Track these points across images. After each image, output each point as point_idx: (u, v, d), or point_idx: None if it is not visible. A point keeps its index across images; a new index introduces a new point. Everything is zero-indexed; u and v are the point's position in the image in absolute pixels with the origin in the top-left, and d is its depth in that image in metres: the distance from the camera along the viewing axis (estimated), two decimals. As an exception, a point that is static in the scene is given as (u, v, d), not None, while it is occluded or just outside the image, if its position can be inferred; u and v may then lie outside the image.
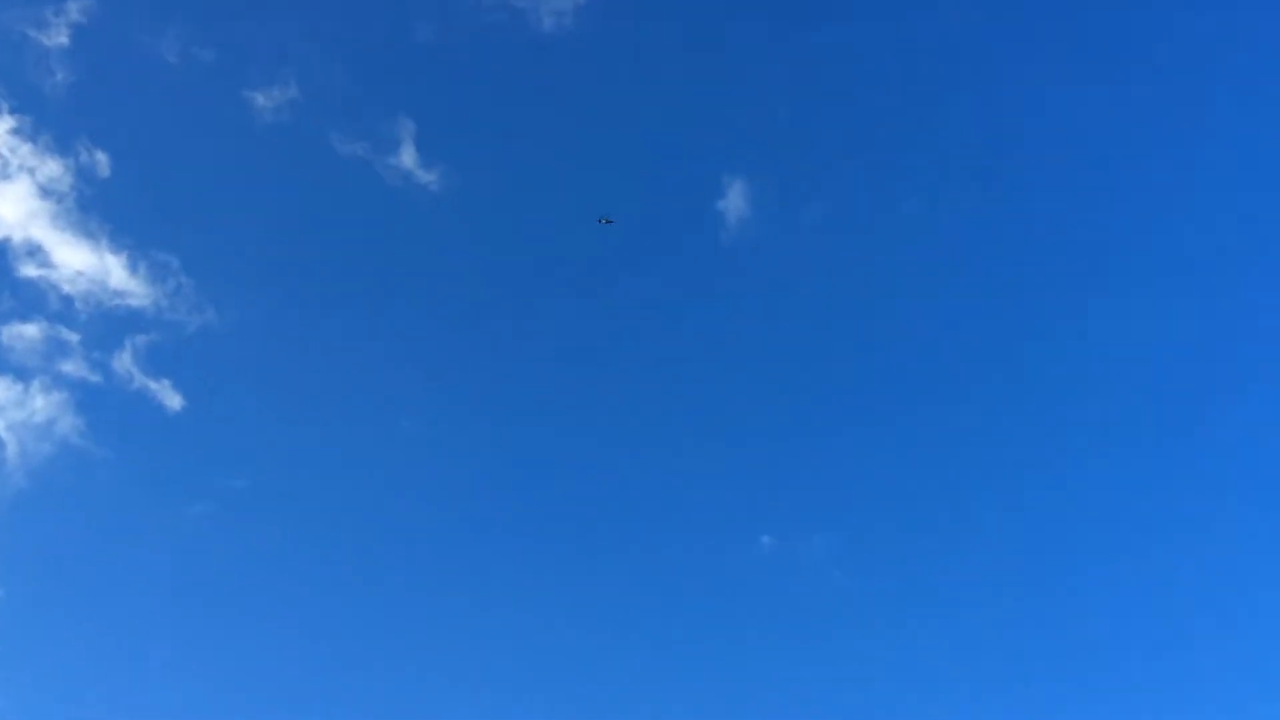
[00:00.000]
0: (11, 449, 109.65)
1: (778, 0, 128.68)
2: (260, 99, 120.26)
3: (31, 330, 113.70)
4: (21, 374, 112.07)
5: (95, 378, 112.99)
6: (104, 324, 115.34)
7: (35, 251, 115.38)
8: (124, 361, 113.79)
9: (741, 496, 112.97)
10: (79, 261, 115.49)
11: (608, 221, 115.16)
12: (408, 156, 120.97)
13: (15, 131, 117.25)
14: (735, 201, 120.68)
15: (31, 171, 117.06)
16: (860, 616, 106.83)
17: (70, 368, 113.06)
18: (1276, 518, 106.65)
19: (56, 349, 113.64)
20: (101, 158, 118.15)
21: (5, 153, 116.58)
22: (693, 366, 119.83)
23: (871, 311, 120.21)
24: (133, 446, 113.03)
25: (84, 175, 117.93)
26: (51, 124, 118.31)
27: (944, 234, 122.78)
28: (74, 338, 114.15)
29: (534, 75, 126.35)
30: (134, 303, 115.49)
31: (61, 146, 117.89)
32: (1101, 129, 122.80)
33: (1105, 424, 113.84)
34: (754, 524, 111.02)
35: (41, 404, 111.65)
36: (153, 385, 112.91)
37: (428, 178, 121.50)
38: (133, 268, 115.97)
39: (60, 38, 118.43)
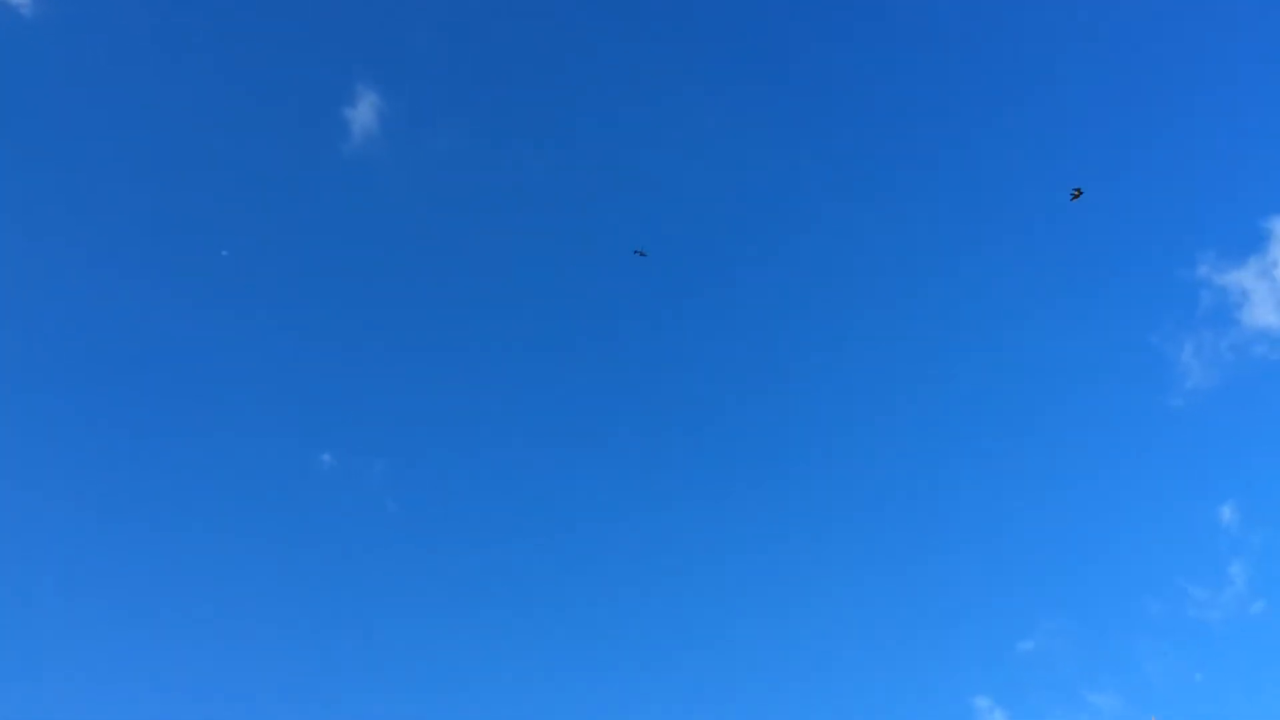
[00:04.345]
0: None
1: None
2: None
3: None
4: None
5: None
6: None
7: None
8: None
9: (304, 412, 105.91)
10: None
11: (641, 254, 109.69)
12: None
13: None
14: (364, 112, 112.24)
15: None
16: (410, 541, 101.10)
17: None
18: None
19: None
20: None
21: None
22: (262, 270, 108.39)
23: (463, 244, 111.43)
24: None
25: None
26: None
27: (570, 183, 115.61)
28: None
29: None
30: None
31: None
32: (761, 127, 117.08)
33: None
34: (315, 441, 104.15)
35: None
36: None
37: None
38: None
39: None
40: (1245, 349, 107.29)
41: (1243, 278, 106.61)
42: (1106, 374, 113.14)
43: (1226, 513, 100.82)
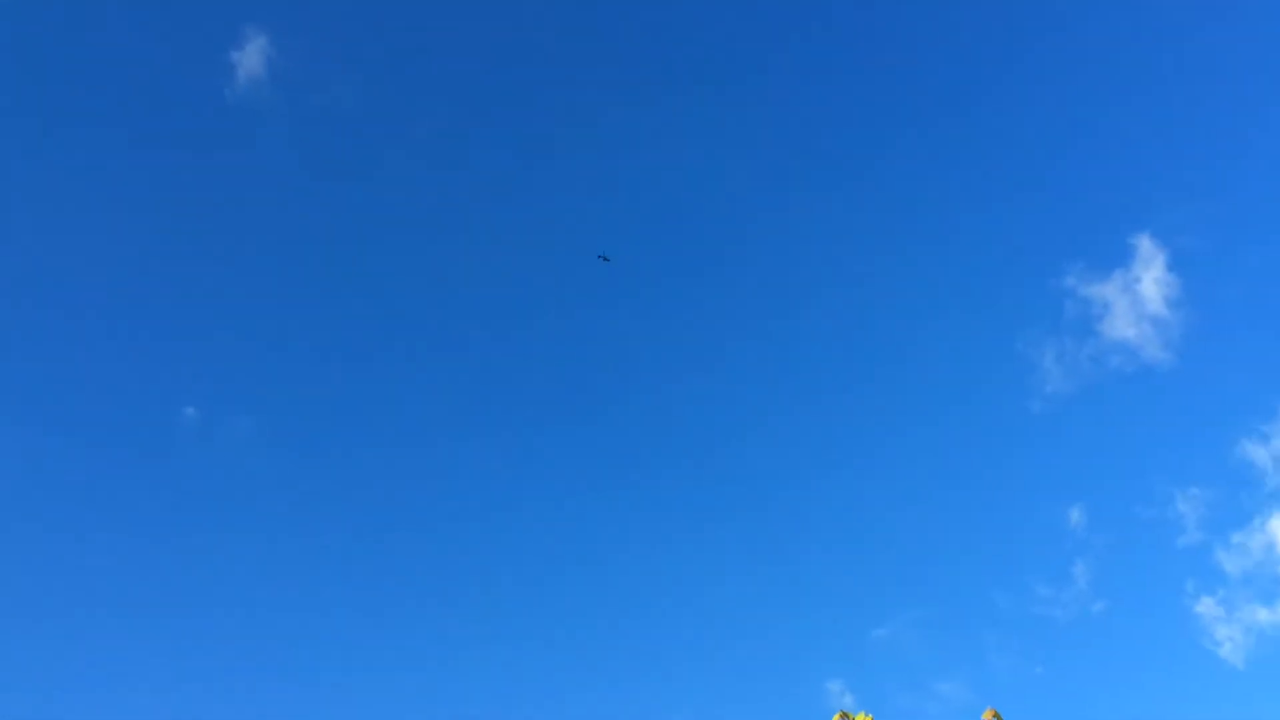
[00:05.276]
0: None
1: None
2: None
3: None
4: None
5: None
6: None
7: None
8: None
9: (167, 362, 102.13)
10: None
11: (605, 259, 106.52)
12: None
13: None
14: (252, 57, 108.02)
15: None
16: (276, 500, 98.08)
17: None
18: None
19: None
20: None
21: None
22: (129, 211, 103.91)
23: (343, 199, 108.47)
24: None
25: None
26: None
27: (458, 146, 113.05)
28: None
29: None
30: None
31: None
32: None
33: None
34: (178, 393, 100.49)
35: None
36: None
37: None
38: None
39: None
40: (1103, 359, 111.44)
41: (1106, 291, 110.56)
42: (974, 376, 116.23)
43: (1075, 514, 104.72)
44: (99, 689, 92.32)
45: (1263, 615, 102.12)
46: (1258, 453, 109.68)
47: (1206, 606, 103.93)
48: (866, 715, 19.05)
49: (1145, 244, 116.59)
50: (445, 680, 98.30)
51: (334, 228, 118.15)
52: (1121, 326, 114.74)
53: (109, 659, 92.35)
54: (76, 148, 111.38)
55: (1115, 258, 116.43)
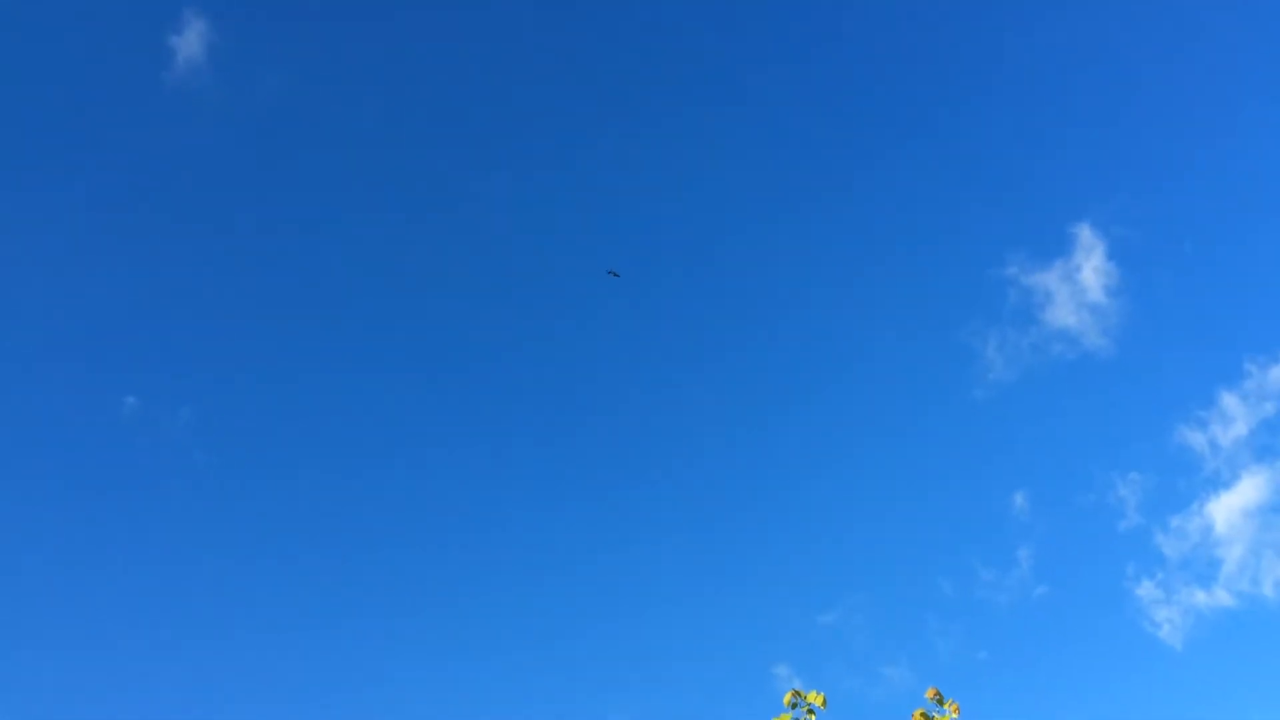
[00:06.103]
0: None
1: None
2: None
3: None
4: None
5: None
6: None
7: None
8: None
9: (108, 349, 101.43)
10: None
11: (614, 275, 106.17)
12: None
13: None
14: (191, 41, 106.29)
15: None
16: (214, 495, 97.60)
17: None
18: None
19: None
20: None
21: None
22: (65, 197, 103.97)
23: (286, 188, 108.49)
24: None
25: None
26: None
27: (409, 135, 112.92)
28: None
29: None
30: None
31: None
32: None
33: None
34: (119, 382, 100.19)
35: None
36: None
37: None
38: None
39: None
40: (1044, 347, 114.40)
41: (1047, 280, 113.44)
42: (919, 365, 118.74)
43: (1019, 500, 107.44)
44: (33, 685, 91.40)
45: (1200, 598, 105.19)
46: (1195, 438, 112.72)
47: (1146, 589, 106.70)
48: (818, 693, 18.94)
49: (1085, 233, 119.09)
50: (387, 677, 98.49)
51: (276, 217, 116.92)
52: (1063, 315, 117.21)
53: (44, 654, 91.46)
54: (4, 135, 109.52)
55: (1056, 247, 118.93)
